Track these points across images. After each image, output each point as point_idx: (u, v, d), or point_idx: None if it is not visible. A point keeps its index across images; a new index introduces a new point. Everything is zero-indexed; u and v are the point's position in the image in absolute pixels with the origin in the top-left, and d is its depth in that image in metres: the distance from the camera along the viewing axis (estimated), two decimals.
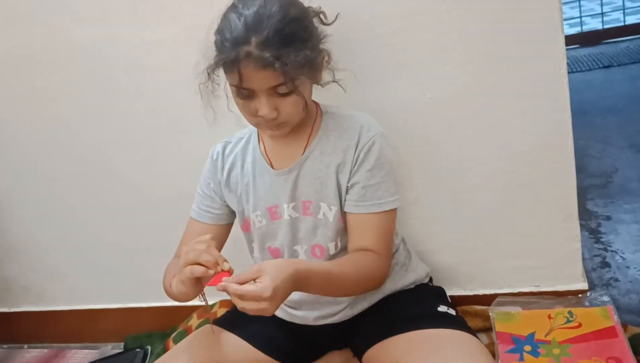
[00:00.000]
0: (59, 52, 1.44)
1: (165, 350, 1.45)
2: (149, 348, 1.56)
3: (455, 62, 1.20)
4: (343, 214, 1.06)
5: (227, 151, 1.15)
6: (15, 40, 1.46)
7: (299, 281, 0.89)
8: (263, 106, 0.95)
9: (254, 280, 0.85)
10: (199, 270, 0.88)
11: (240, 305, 0.85)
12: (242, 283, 0.85)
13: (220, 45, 0.94)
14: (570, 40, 3.38)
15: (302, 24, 0.93)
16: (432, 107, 1.23)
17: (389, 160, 1.04)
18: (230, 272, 0.88)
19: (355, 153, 1.03)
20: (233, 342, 1.14)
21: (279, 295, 0.85)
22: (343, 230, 1.08)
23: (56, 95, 1.49)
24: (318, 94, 1.12)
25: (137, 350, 1.56)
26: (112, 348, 1.66)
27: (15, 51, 1.47)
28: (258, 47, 0.89)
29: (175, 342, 1.43)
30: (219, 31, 0.95)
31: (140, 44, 1.36)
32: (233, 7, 0.94)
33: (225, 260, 0.89)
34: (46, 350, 1.73)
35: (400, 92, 1.24)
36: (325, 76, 1.05)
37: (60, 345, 1.74)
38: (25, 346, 1.78)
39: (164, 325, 1.60)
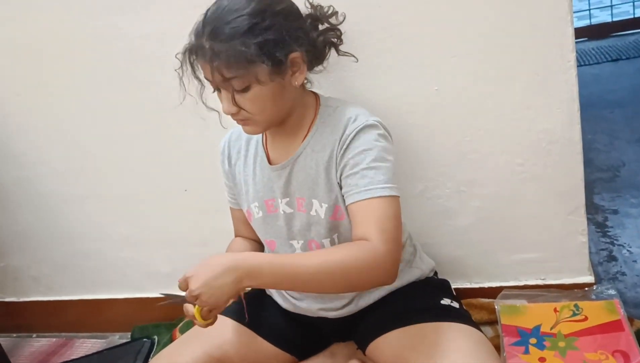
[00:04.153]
0: (65, 44, 1.44)
1: (172, 339, 1.46)
2: (156, 338, 1.57)
3: (462, 54, 1.19)
4: (336, 210, 1.04)
5: (233, 138, 1.16)
6: (21, 33, 1.46)
7: (243, 270, 0.90)
8: (223, 100, 0.96)
9: None
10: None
11: (194, 321, 0.97)
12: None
13: None
14: (578, 33, 3.33)
15: (256, 19, 0.89)
16: (439, 99, 1.23)
17: (378, 148, 0.98)
18: None
19: (338, 146, 1.00)
20: (241, 332, 1.14)
21: (203, 279, 0.89)
22: (337, 227, 1.06)
23: (63, 87, 1.49)
24: (324, 85, 1.12)
25: (144, 340, 1.57)
26: (119, 338, 1.67)
27: (21, 43, 1.48)
28: (207, 39, 0.90)
29: (182, 332, 1.44)
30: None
31: (146, 36, 1.35)
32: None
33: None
34: (54, 339, 1.74)
35: (407, 84, 1.23)
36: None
37: (68, 334, 1.75)
38: (34, 335, 1.79)
39: (171, 315, 1.60)
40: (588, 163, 1.25)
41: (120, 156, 1.52)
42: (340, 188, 1.02)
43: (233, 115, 0.97)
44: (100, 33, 1.39)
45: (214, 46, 0.90)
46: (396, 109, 1.24)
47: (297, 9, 0.99)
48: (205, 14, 0.93)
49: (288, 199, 1.07)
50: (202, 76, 0.98)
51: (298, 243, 1.09)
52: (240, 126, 1.04)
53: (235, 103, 0.94)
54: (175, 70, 0.98)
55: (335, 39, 1.07)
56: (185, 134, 1.43)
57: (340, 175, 1.00)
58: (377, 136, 1.00)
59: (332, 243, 1.07)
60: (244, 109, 0.95)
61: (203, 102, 1.02)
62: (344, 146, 0.99)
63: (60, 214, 1.66)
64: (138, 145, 1.49)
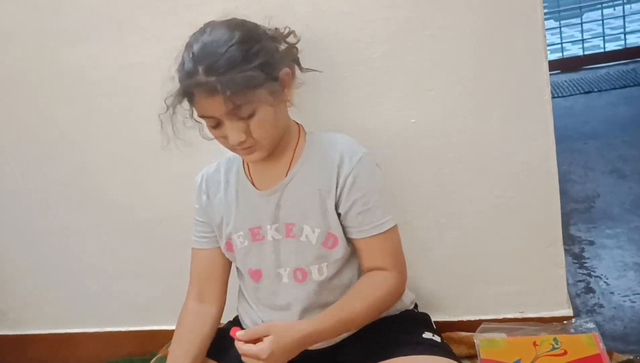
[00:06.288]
0: (42, 74, 1.42)
1: None
2: None
3: (440, 87, 1.20)
4: (327, 237, 1.05)
5: (210, 172, 1.15)
6: None
7: (309, 342, 0.98)
8: (230, 131, 0.97)
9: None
10: None
11: (245, 360, 0.96)
12: (249, 340, 0.94)
13: (178, 80, 0.98)
14: (551, 66, 3.35)
15: (246, 46, 0.94)
16: (417, 131, 1.23)
17: (378, 181, 1.06)
18: None
19: (339, 180, 1.04)
20: None
21: (278, 356, 0.93)
22: (326, 256, 1.06)
23: (39, 117, 1.47)
24: (302, 117, 1.12)
25: None
26: None
27: None
28: (205, 75, 0.92)
29: None
30: (177, 70, 0.98)
31: (123, 66, 1.34)
32: (186, 46, 0.98)
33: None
34: None
35: (385, 117, 1.23)
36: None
37: None
38: None
39: (143, 350, 1.56)
40: (563, 194, 1.26)
41: (95, 186, 1.49)
42: (338, 215, 1.05)
43: (241, 143, 0.99)
44: (78, 63, 1.38)
45: (219, 79, 0.91)
46: (375, 141, 1.23)
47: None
48: (192, 53, 0.94)
49: (277, 225, 1.07)
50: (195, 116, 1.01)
51: (285, 270, 1.08)
52: (220, 160, 1.08)
53: (245, 131, 0.97)
54: (160, 116, 0.99)
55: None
56: (161, 165, 1.41)
57: (347, 211, 1.04)
58: (375, 166, 1.07)
59: (321, 272, 1.07)
60: (251, 137, 0.98)
61: (203, 137, 1.04)
62: (347, 184, 1.03)
63: (30, 246, 1.61)
64: (113, 175, 1.47)
